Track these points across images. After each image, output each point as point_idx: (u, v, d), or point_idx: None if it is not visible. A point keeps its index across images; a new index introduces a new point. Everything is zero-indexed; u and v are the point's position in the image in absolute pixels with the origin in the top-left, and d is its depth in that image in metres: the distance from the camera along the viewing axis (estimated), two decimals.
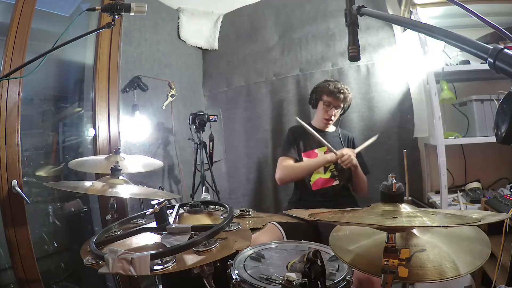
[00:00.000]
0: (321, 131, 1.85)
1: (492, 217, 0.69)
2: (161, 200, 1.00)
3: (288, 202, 1.97)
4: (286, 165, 1.81)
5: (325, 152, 1.80)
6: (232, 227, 1.06)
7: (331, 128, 1.93)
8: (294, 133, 1.90)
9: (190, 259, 0.83)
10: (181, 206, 1.21)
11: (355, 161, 1.71)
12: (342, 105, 1.83)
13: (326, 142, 1.74)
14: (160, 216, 1.00)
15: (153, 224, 1.02)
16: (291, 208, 1.85)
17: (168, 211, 1.10)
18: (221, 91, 2.81)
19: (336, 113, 1.83)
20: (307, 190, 1.81)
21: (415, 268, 0.71)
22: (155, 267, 0.77)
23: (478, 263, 0.71)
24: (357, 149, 1.78)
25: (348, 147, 1.85)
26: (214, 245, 0.88)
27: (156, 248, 0.92)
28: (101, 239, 0.98)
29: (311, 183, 1.81)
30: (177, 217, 1.12)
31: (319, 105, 1.87)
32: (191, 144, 2.36)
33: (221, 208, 1.25)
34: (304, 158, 1.82)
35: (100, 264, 0.83)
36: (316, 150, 1.84)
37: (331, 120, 1.84)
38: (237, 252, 0.92)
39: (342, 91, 1.79)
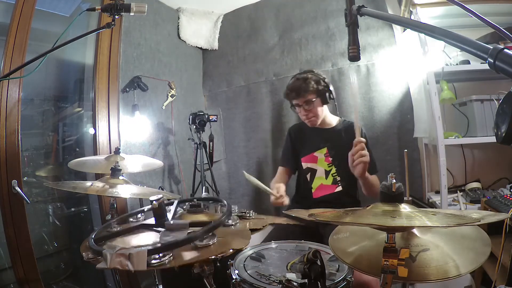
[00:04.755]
0: (318, 129, 1.69)
1: (492, 217, 0.68)
2: (160, 196, 0.99)
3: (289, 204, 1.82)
4: (277, 175, 1.78)
5: (325, 154, 1.66)
6: (230, 222, 1.06)
7: (331, 122, 1.70)
8: (292, 136, 1.79)
9: (188, 254, 0.83)
10: (180, 203, 1.20)
11: (365, 159, 1.34)
12: (310, 97, 1.57)
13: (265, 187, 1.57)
14: (159, 213, 1.00)
15: (152, 221, 1.03)
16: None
17: (167, 208, 1.09)
18: (221, 91, 2.81)
19: (311, 107, 1.59)
20: (308, 198, 1.68)
21: (419, 268, 0.71)
22: (152, 261, 0.77)
23: (482, 260, 0.72)
24: None
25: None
26: (212, 241, 0.88)
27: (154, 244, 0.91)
28: (100, 235, 0.98)
29: (312, 190, 1.67)
30: (176, 214, 1.12)
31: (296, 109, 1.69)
32: (191, 144, 2.36)
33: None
34: (300, 167, 1.71)
35: (98, 259, 0.82)
36: (315, 153, 1.69)
37: (312, 117, 1.63)
38: (236, 251, 0.92)
39: (294, 86, 1.58)
